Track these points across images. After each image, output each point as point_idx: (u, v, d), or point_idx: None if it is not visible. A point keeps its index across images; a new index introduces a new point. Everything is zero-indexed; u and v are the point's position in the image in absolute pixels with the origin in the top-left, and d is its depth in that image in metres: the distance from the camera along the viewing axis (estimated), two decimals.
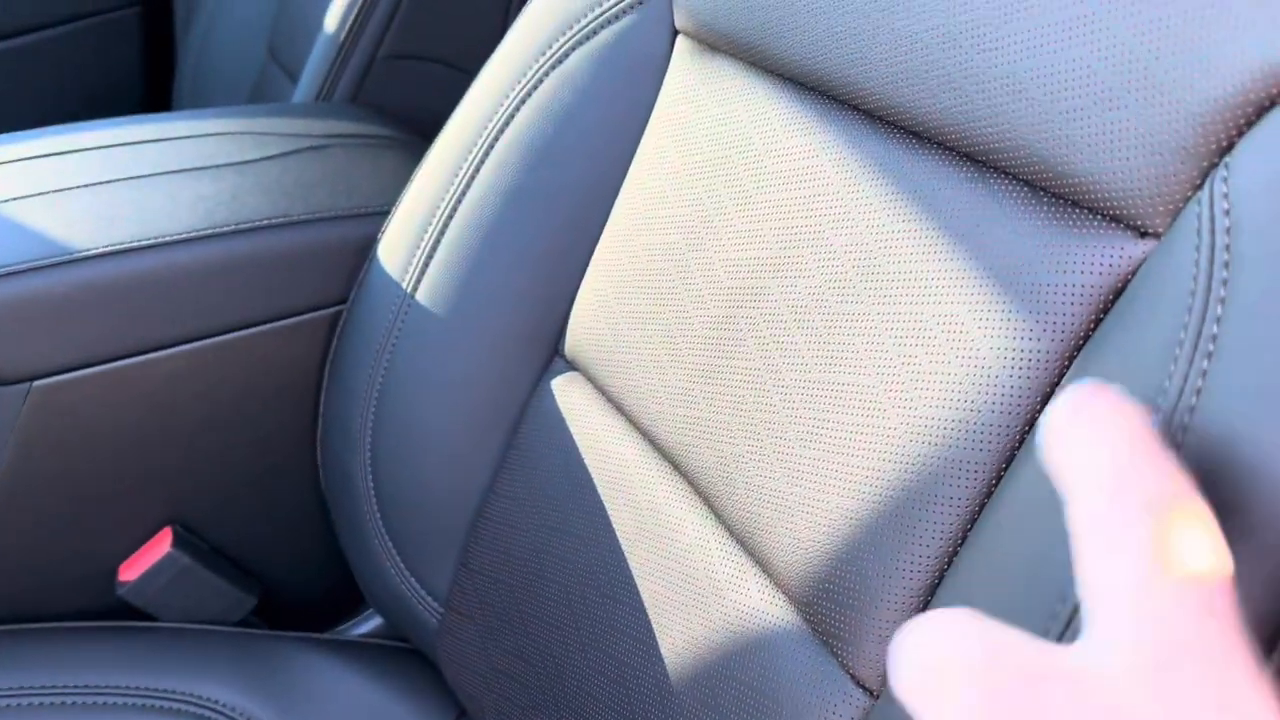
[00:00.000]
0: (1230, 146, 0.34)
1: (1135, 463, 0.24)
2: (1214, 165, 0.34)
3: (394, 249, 0.69)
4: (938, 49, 0.43)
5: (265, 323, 0.71)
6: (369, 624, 0.83)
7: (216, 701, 0.66)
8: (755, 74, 0.55)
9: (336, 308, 0.73)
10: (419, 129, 0.98)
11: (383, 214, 0.73)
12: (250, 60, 1.32)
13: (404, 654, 0.73)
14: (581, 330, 0.63)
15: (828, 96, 0.50)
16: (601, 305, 0.61)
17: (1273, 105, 0.32)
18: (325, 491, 0.74)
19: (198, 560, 0.73)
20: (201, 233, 0.68)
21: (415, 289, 0.67)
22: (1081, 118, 0.38)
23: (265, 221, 0.70)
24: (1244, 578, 0.28)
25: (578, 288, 0.64)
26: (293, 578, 0.80)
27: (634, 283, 0.59)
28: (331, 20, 0.99)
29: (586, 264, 0.63)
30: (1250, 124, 0.33)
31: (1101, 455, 0.24)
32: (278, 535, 0.78)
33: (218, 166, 0.75)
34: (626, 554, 0.56)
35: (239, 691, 0.67)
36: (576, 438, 0.61)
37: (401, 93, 0.99)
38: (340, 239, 0.73)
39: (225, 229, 0.69)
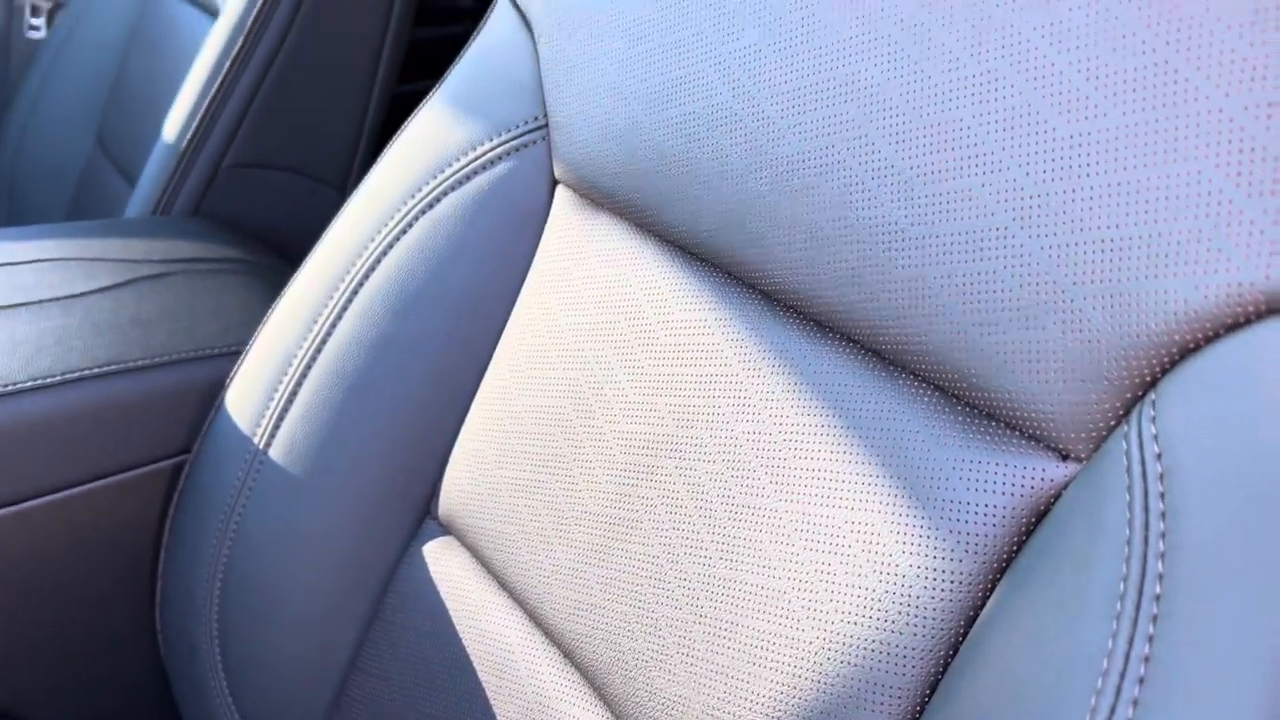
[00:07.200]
0: (1154, 381, 0.33)
1: None
2: (1139, 397, 0.33)
3: (245, 398, 0.63)
4: (840, 242, 0.41)
5: (96, 479, 0.64)
6: None
7: None
8: (643, 236, 0.52)
9: (177, 459, 0.66)
10: (267, 238, 0.92)
11: (229, 355, 0.67)
12: (76, 148, 1.23)
13: None
14: (457, 492, 0.58)
15: (722, 270, 0.48)
16: (480, 467, 0.57)
17: (1196, 348, 0.32)
18: (166, 662, 0.67)
19: None
20: (19, 386, 0.60)
21: (269, 443, 0.61)
22: (996, 331, 0.36)
23: (97, 370, 0.63)
24: None
25: (451, 446, 0.59)
26: None
27: (516, 446, 0.55)
28: (171, 129, 0.91)
29: (460, 421, 0.59)
30: (1174, 363, 0.32)
31: None
32: (114, 712, 0.69)
33: (40, 302, 0.67)
34: None
35: None
36: (453, 613, 0.56)
37: (248, 202, 0.92)
38: (182, 384, 0.66)
39: (49, 380, 0.61)
